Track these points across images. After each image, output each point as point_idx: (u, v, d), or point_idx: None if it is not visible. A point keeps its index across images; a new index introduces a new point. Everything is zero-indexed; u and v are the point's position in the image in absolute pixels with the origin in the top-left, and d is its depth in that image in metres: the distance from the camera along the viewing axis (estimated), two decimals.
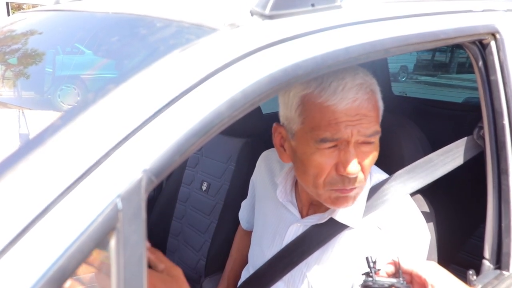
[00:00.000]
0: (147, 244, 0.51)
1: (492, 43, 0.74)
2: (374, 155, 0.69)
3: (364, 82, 0.66)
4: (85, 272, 0.38)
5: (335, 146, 0.66)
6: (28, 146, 0.40)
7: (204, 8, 0.63)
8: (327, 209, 0.76)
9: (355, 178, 0.67)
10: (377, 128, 0.68)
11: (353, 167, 0.65)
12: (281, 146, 0.75)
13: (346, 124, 0.64)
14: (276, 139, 0.76)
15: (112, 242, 0.37)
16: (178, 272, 0.55)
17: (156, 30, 0.55)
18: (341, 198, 0.69)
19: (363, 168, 0.68)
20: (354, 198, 0.71)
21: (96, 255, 0.37)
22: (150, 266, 0.53)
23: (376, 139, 0.69)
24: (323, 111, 0.65)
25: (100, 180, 0.37)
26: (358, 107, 0.65)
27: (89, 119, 0.40)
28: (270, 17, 0.51)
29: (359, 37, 0.55)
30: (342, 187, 0.67)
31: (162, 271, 0.53)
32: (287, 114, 0.71)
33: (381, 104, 0.71)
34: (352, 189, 0.69)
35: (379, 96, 0.70)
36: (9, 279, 0.33)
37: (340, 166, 0.66)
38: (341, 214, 0.73)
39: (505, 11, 0.79)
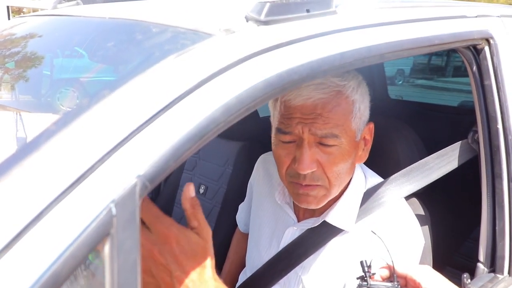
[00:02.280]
0: (192, 194, 0.47)
1: (486, 49, 0.74)
2: (338, 158, 0.68)
3: (325, 82, 0.66)
4: (79, 277, 0.38)
5: (293, 141, 0.68)
6: (23, 150, 0.40)
7: (199, 14, 0.63)
8: (321, 212, 0.76)
9: (311, 176, 0.68)
10: (335, 131, 0.66)
11: (304, 164, 0.66)
12: None
13: (298, 121, 0.66)
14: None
15: (106, 248, 0.37)
16: (208, 234, 0.50)
17: (152, 35, 0.56)
18: (301, 195, 0.71)
19: (324, 169, 0.68)
20: (318, 199, 0.71)
21: (90, 261, 0.37)
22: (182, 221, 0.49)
23: (338, 143, 0.67)
24: (283, 106, 0.69)
25: (94, 185, 0.37)
26: (312, 105, 0.66)
27: (83, 125, 0.40)
28: (265, 22, 0.51)
29: (354, 43, 0.56)
30: (297, 180, 0.69)
31: (193, 228, 0.48)
32: (270, 111, 0.76)
33: (357, 108, 0.69)
34: (311, 188, 0.69)
35: (354, 99, 0.68)
36: (3, 285, 0.33)
37: (295, 161, 0.68)
38: (334, 217, 0.73)
39: (498, 16, 0.80)
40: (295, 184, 0.70)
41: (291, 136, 0.68)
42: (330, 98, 0.66)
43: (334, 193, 0.72)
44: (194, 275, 0.47)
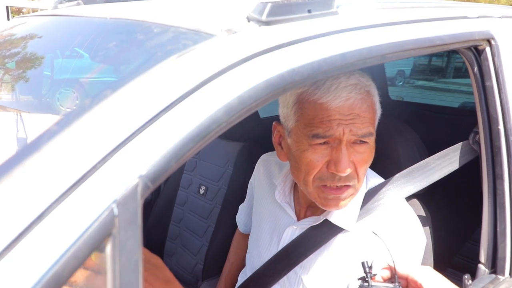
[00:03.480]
0: None
1: (487, 49, 0.74)
2: (368, 156, 0.70)
3: (358, 82, 0.68)
4: (81, 278, 0.37)
5: (327, 143, 0.67)
6: (25, 151, 0.40)
7: (201, 14, 0.63)
8: (322, 211, 0.76)
9: (347, 176, 0.68)
10: (371, 129, 0.68)
11: (344, 165, 0.66)
12: (279, 144, 0.77)
13: (338, 122, 0.66)
14: (275, 138, 0.78)
15: (108, 248, 0.36)
16: (158, 260, 0.56)
17: (154, 35, 0.56)
18: (331, 199, 0.70)
19: (356, 168, 0.69)
20: (347, 200, 0.71)
21: (92, 261, 0.37)
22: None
23: (370, 141, 0.69)
24: (316, 108, 0.67)
25: (96, 185, 0.37)
26: (351, 106, 0.66)
27: (85, 125, 0.40)
28: (267, 23, 0.51)
29: (355, 43, 0.56)
30: (331, 183, 0.68)
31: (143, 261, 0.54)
32: (284, 112, 0.73)
33: (378, 107, 0.72)
34: (343, 190, 0.69)
35: (376, 99, 0.71)
36: (5, 285, 0.33)
37: (331, 164, 0.67)
38: (335, 217, 0.73)
39: (500, 17, 0.80)
40: (325, 188, 0.69)
41: (331, 138, 0.67)
42: (364, 98, 0.68)
43: (358, 190, 0.73)
44: None
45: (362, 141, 0.68)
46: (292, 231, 0.80)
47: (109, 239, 0.36)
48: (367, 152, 0.69)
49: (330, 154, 0.67)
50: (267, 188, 0.89)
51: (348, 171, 0.67)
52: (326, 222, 0.74)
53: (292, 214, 0.81)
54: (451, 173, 0.82)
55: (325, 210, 0.75)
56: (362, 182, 0.72)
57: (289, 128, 0.72)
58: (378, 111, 0.72)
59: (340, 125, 0.66)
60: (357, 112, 0.66)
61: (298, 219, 0.81)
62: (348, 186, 0.69)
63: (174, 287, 0.54)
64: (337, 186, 0.69)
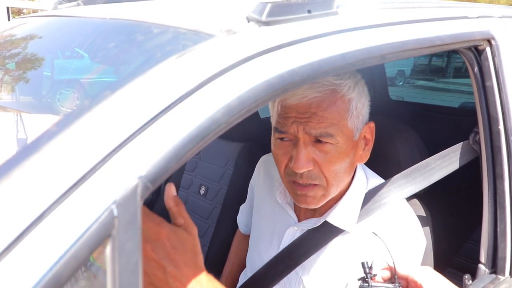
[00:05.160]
0: (173, 192, 0.48)
1: (488, 49, 0.74)
2: (334, 157, 0.67)
3: (319, 81, 0.66)
4: (81, 278, 0.37)
5: (289, 140, 0.69)
6: (24, 151, 0.40)
7: (200, 14, 0.63)
8: (322, 213, 0.76)
9: (307, 174, 0.68)
10: (330, 130, 0.66)
11: (299, 163, 0.66)
12: None
13: (294, 120, 0.67)
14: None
15: (108, 249, 0.36)
16: (195, 230, 0.51)
17: (153, 36, 0.56)
18: (300, 196, 0.71)
19: (321, 168, 0.68)
20: (317, 199, 0.71)
21: (92, 262, 0.37)
22: (169, 219, 0.50)
23: (334, 141, 0.67)
24: (280, 105, 0.69)
25: (96, 186, 0.37)
26: (307, 104, 0.66)
27: (85, 126, 0.40)
28: (267, 23, 0.51)
29: (355, 43, 0.56)
30: (295, 179, 0.70)
31: (180, 225, 0.49)
32: (270, 111, 0.76)
33: (353, 107, 0.68)
34: (308, 188, 0.69)
35: (350, 97, 0.68)
36: (5, 285, 0.33)
37: (291, 160, 0.68)
38: (335, 218, 0.73)
39: (500, 17, 0.80)
40: (293, 183, 0.71)
41: (287, 135, 0.68)
42: (324, 97, 0.66)
43: (333, 192, 0.72)
44: (186, 270, 0.47)
45: (321, 141, 0.67)
46: (292, 232, 0.80)
47: (108, 240, 0.36)
48: (332, 153, 0.67)
49: (291, 151, 0.69)
50: (267, 189, 0.89)
51: (306, 169, 0.67)
52: (326, 223, 0.74)
53: (293, 214, 0.81)
54: (451, 173, 0.82)
55: (324, 212, 0.76)
56: (334, 184, 0.70)
57: (272, 124, 0.75)
58: (355, 111, 0.69)
59: (295, 123, 0.67)
60: (313, 111, 0.66)
61: (298, 220, 0.81)
62: (314, 185, 0.69)
63: (198, 263, 0.49)
64: (301, 183, 0.69)
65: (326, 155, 0.67)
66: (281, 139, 0.70)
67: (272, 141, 0.73)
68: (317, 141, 0.67)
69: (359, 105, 0.70)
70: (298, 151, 0.67)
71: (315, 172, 0.68)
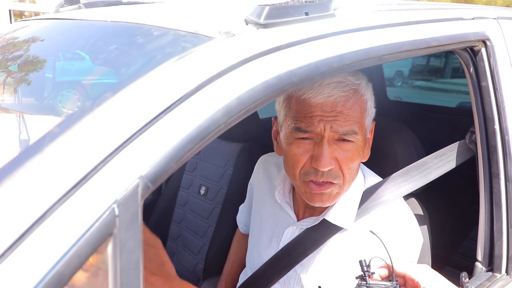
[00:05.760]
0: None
1: (483, 50, 0.75)
2: (353, 155, 0.70)
3: (344, 80, 0.68)
4: (82, 277, 0.38)
5: (310, 139, 0.69)
6: (27, 152, 0.41)
7: (200, 17, 0.64)
8: (321, 211, 0.77)
9: (329, 172, 0.69)
10: (354, 128, 0.68)
11: (324, 161, 0.67)
12: (276, 139, 0.79)
13: (320, 119, 0.67)
14: (273, 132, 0.80)
15: (109, 248, 0.37)
16: (157, 242, 0.54)
17: (153, 38, 0.57)
18: (315, 194, 0.71)
19: (340, 166, 0.69)
20: (332, 197, 0.72)
21: (93, 261, 0.38)
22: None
23: (356, 139, 0.69)
24: (300, 104, 0.69)
25: (97, 186, 0.38)
26: (333, 103, 0.67)
27: (86, 127, 0.41)
28: (265, 25, 0.52)
29: (352, 45, 0.57)
30: (315, 178, 0.69)
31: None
32: (277, 107, 0.76)
33: (369, 106, 0.72)
34: (325, 186, 0.70)
35: (366, 98, 0.71)
36: (7, 285, 0.33)
37: (313, 159, 0.68)
38: (333, 216, 0.74)
39: (495, 18, 0.81)
40: (310, 183, 0.70)
41: (311, 134, 0.68)
42: (349, 96, 0.68)
43: (346, 190, 0.73)
44: (154, 278, 0.50)
45: (345, 139, 0.68)
46: (292, 231, 0.81)
47: (110, 238, 0.37)
48: (353, 151, 0.69)
49: (313, 149, 0.69)
50: (266, 189, 0.89)
51: (330, 167, 0.68)
52: (324, 221, 0.75)
53: (292, 214, 0.82)
54: (449, 172, 0.83)
55: (323, 210, 0.76)
56: (348, 180, 0.72)
57: (280, 122, 0.74)
58: (370, 111, 0.72)
59: (321, 122, 0.67)
60: (339, 110, 0.67)
61: (298, 219, 0.82)
62: (331, 183, 0.70)
63: (167, 271, 0.52)
64: (320, 181, 0.70)
65: (347, 153, 0.69)
66: (303, 138, 0.69)
67: (286, 141, 0.71)
68: (340, 139, 0.68)
69: (372, 105, 0.73)
70: (323, 149, 0.67)
71: (335, 170, 0.69)
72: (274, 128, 0.79)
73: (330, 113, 0.67)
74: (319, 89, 0.67)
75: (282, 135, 0.74)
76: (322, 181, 0.69)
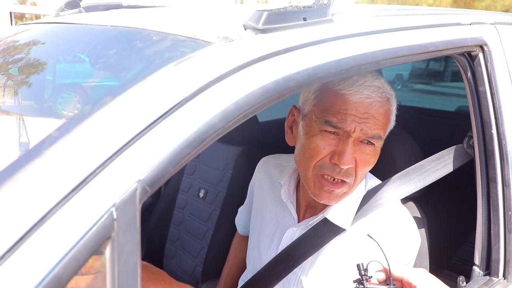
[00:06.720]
0: None
1: (480, 55, 0.76)
2: (371, 158, 0.71)
3: (382, 86, 0.70)
4: (81, 280, 0.38)
5: (336, 134, 0.69)
6: (27, 155, 0.41)
7: (199, 22, 0.64)
8: (321, 211, 0.77)
9: (346, 171, 0.69)
10: (381, 133, 0.70)
11: (347, 159, 0.68)
12: (290, 128, 0.79)
13: (353, 119, 0.68)
14: (288, 121, 0.80)
15: (107, 251, 0.38)
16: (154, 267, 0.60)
17: (152, 43, 0.57)
18: (325, 191, 0.71)
19: (356, 167, 0.70)
20: (339, 197, 0.73)
21: (91, 264, 0.38)
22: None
23: (377, 144, 0.71)
24: (337, 98, 0.69)
25: (96, 190, 0.38)
26: (368, 105, 0.68)
27: (85, 130, 0.41)
28: (263, 31, 0.53)
29: (350, 50, 0.57)
30: (330, 174, 0.70)
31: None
32: (305, 95, 0.75)
33: (392, 118, 0.74)
34: (338, 185, 0.71)
35: (393, 108, 0.73)
36: (7, 287, 0.34)
37: (335, 154, 0.69)
38: (333, 215, 0.75)
39: (492, 23, 0.81)
40: (322, 178, 0.71)
41: (340, 130, 0.69)
42: (383, 103, 0.70)
43: (352, 191, 0.74)
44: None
45: (370, 142, 0.70)
46: (292, 233, 0.81)
47: (108, 242, 0.37)
48: (371, 154, 0.71)
49: (337, 145, 0.69)
50: (268, 191, 0.90)
51: (350, 165, 0.68)
52: (324, 222, 0.75)
53: (294, 213, 0.82)
54: (447, 176, 0.83)
55: (323, 209, 0.77)
56: (357, 183, 0.73)
57: (305, 111, 0.74)
58: (392, 122, 0.74)
59: (354, 122, 0.68)
60: (372, 113, 0.68)
61: (299, 219, 0.82)
62: (344, 182, 0.71)
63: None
64: (334, 179, 0.70)
65: (366, 155, 0.70)
66: (330, 132, 0.69)
67: (309, 131, 0.71)
68: (364, 141, 0.69)
69: (394, 118, 0.74)
70: (347, 147, 0.68)
71: (351, 170, 0.70)
72: (291, 116, 0.79)
73: (362, 115, 0.68)
74: (360, 89, 0.68)
75: (304, 124, 0.73)
76: (337, 179, 0.70)
